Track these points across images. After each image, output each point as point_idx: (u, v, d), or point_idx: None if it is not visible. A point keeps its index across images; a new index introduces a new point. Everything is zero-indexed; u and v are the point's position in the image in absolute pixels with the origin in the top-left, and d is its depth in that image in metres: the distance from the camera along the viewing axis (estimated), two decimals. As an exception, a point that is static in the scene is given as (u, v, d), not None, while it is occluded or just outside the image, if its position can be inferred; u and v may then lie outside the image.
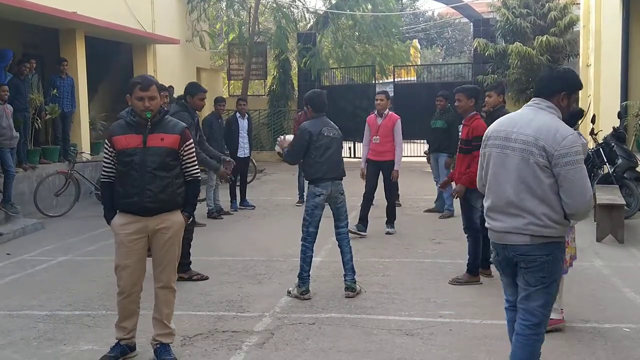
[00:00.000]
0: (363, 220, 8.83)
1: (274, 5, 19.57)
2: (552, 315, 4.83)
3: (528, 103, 3.71)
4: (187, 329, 5.23)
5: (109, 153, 4.53)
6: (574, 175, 3.39)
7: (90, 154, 12.94)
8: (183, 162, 4.59)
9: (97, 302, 6.05)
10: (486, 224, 3.75)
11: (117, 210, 4.55)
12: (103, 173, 4.59)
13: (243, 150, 11.19)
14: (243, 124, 11.17)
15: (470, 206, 6.47)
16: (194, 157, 4.65)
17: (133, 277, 4.55)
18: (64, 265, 7.59)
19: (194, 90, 7.35)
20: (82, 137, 13.00)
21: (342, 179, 6.27)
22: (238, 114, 11.17)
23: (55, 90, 11.67)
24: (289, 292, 6.12)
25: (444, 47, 41.93)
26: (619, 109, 12.08)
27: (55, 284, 6.68)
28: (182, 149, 4.54)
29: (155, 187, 4.41)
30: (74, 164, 11.45)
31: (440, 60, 37.91)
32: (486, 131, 3.79)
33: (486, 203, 3.72)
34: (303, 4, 20.59)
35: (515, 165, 3.52)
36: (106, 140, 4.55)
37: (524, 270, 3.57)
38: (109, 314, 5.64)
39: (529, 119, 3.55)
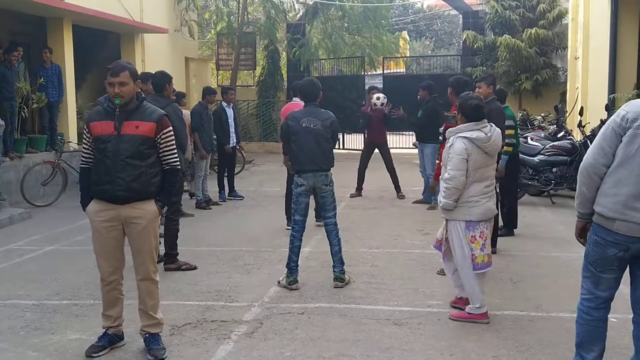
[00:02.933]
0: None
1: (263, -5, 19.49)
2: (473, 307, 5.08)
3: None
4: (175, 318, 5.22)
5: (87, 139, 4.50)
6: None
7: (78, 144, 12.82)
8: (160, 150, 4.48)
9: (85, 291, 6.03)
10: (619, 214, 3.40)
11: (92, 197, 4.52)
12: (82, 158, 4.58)
13: (231, 140, 11.17)
14: (230, 113, 11.13)
15: None
16: (172, 145, 4.54)
17: (110, 264, 4.53)
18: (51, 254, 7.54)
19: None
20: (69, 126, 12.90)
21: (326, 170, 6.16)
22: (224, 104, 11.11)
23: (42, 79, 11.56)
24: (278, 282, 6.12)
25: (433, 39, 41.98)
26: (606, 102, 12.15)
27: (43, 274, 6.64)
28: (159, 137, 4.44)
29: (127, 176, 4.35)
30: (61, 153, 11.39)
31: (429, 52, 37.93)
32: (630, 110, 3.41)
33: (625, 189, 3.37)
34: (292, -6, 20.53)
35: None
36: (84, 126, 4.54)
37: None
38: (96, 303, 5.59)
39: None
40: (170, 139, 4.52)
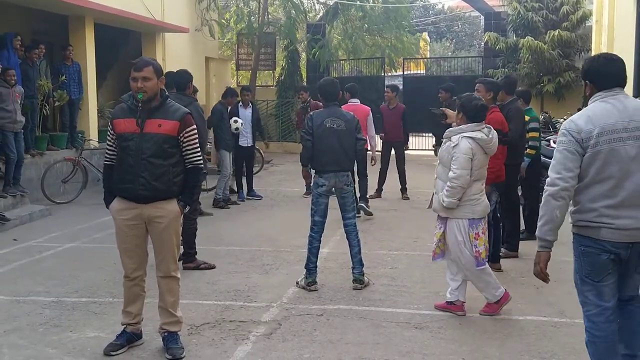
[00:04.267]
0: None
1: (284, -5, 19.46)
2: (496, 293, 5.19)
3: (606, 95, 3.51)
4: (194, 317, 5.19)
5: (111, 136, 4.49)
6: None
7: (98, 142, 12.88)
8: (184, 149, 4.44)
9: (104, 289, 6.03)
10: (603, 224, 3.42)
11: (115, 195, 4.51)
12: (106, 156, 4.58)
13: (246, 140, 11.06)
14: (245, 113, 11.06)
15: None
16: (196, 144, 4.49)
17: (134, 261, 4.53)
18: (71, 252, 7.56)
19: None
20: (90, 124, 12.95)
21: (348, 170, 6.15)
22: (241, 104, 11.05)
23: (64, 77, 11.62)
24: (297, 283, 6.08)
25: (454, 40, 41.70)
26: (631, 105, 11.98)
27: (62, 271, 6.66)
28: (182, 135, 4.39)
29: (150, 175, 4.31)
30: (82, 151, 11.43)
31: (450, 53, 37.69)
32: (582, 130, 3.44)
33: (605, 202, 3.41)
34: (313, -5, 20.49)
35: None
36: (109, 123, 4.53)
37: (636, 265, 3.48)
38: (115, 301, 5.61)
39: (635, 105, 3.49)
40: (194, 137, 4.47)
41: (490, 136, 5.19)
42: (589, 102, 3.59)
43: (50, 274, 6.56)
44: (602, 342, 3.53)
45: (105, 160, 4.60)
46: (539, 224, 3.58)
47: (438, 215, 5.35)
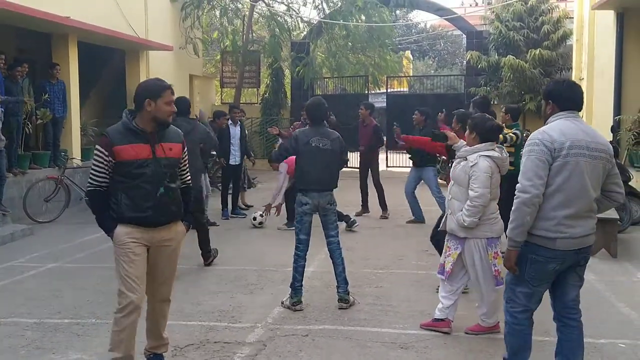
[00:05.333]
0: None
1: (268, 13, 19.56)
2: (490, 321, 5.25)
3: (569, 115, 3.84)
4: (178, 339, 5.14)
5: (106, 163, 4.11)
6: None
7: (81, 160, 12.82)
8: (181, 170, 4.43)
9: (87, 310, 5.96)
10: (560, 234, 3.74)
11: (118, 221, 4.19)
12: (94, 181, 4.15)
13: (235, 158, 11.13)
14: (235, 131, 11.10)
15: None
16: (187, 162, 4.50)
17: (142, 288, 4.22)
18: (53, 272, 7.48)
19: None
20: (72, 142, 12.88)
21: (331, 190, 6.14)
22: (230, 122, 11.11)
23: (46, 95, 11.56)
24: (282, 303, 6.05)
25: (436, 58, 42.07)
26: (611, 123, 12.12)
27: (44, 291, 6.58)
28: (183, 157, 4.39)
29: (169, 200, 4.21)
30: (64, 169, 11.35)
31: (432, 72, 38.02)
32: (555, 141, 3.71)
33: (564, 211, 3.72)
34: (297, 14, 20.60)
35: (597, 173, 3.79)
36: (100, 148, 4.12)
37: (581, 268, 3.97)
38: (98, 322, 5.55)
39: (592, 129, 3.89)
40: (187, 157, 4.48)
41: (504, 155, 5.26)
42: (550, 119, 3.89)
43: (32, 294, 6.48)
44: (521, 335, 4.01)
45: (95, 186, 4.17)
46: (510, 226, 3.82)
47: (451, 235, 5.31)
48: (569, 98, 3.88)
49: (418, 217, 10.52)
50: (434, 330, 5.31)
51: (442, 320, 5.33)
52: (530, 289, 3.89)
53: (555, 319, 4.14)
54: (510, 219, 3.79)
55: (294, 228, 8.54)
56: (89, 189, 4.21)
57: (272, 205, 9.94)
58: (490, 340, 5.14)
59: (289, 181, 9.60)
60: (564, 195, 3.71)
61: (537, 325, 5.47)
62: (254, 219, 10.23)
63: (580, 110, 3.92)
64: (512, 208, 3.76)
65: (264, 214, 10.14)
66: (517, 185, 3.78)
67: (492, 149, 5.19)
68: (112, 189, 4.17)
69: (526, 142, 3.83)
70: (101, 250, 8.55)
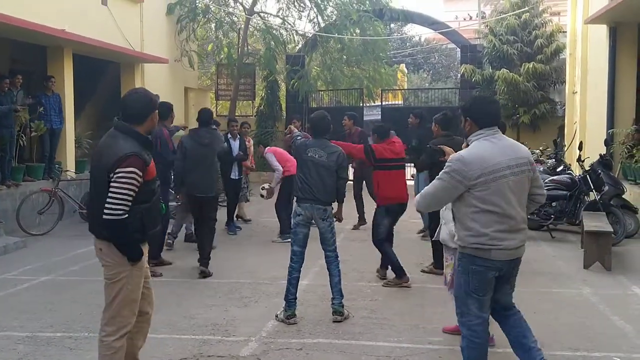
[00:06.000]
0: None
1: (264, 27, 19.63)
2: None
3: (488, 134, 4.00)
4: (171, 353, 5.11)
5: (139, 185, 3.87)
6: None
7: (75, 172, 12.79)
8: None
9: (79, 323, 5.92)
10: (494, 246, 3.91)
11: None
12: (126, 206, 3.82)
13: (234, 172, 10.87)
14: (234, 145, 10.99)
15: (378, 223, 7.37)
16: None
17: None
18: (46, 285, 7.44)
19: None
20: (67, 155, 12.85)
21: (324, 204, 6.07)
22: (229, 135, 11.03)
23: (42, 108, 11.54)
24: (276, 316, 6.03)
25: (431, 72, 42.23)
26: (605, 137, 12.18)
27: (37, 305, 6.54)
28: None
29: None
30: (59, 181, 11.32)
31: (427, 85, 38.13)
32: (472, 169, 3.87)
33: (495, 227, 3.90)
34: (292, 27, 20.68)
35: (522, 187, 4.00)
36: (137, 171, 3.84)
37: (514, 278, 4.20)
38: (91, 336, 5.51)
39: (511, 143, 4.07)
40: None
41: None
42: (470, 138, 4.05)
43: (25, 307, 6.44)
44: (479, 348, 4.07)
45: (126, 212, 3.83)
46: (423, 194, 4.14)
47: (445, 246, 5.37)
48: (486, 114, 4.03)
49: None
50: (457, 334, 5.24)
51: None
52: (477, 299, 4.03)
53: (494, 317, 4.32)
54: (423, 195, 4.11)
55: (288, 240, 8.60)
56: (123, 217, 3.82)
57: (269, 186, 10.31)
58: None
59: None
60: (491, 215, 3.90)
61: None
62: (262, 188, 10.59)
63: (497, 125, 4.04)
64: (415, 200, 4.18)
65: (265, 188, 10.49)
66: (418, 194, 4.15)
67: None
68: (133, 211, 3.89)
69: (446, 163, 4.01)
70: (94, 263, 8.42)
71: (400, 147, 7.50)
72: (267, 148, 10.66)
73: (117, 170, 3.79)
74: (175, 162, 7.97)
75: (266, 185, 10.65)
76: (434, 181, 4.02)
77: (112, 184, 3.80)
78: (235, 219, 11.32)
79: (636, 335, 5.59)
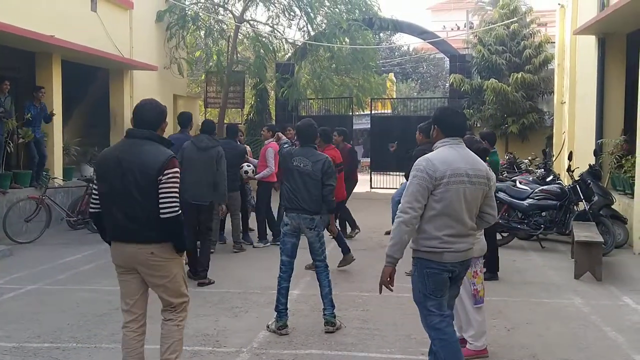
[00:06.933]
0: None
1: (253, 35, 19.60)
2: (478, 344, 5.23)
3: (452, 143, 4.19)
4: (161, 364, 5.03)
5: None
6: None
7: (63, 180, 12.67)
8: None
9: (68, 333, 5.83)
10: (445, 249, 4.06)
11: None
12: (178, 203, 4.15)
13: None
14: None
15: None
16: None
17: None
18: (33, 294, 7.33)
19: None
20: (54, 162, 12.73)
21: (311, 213, 5.98)
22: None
23: (29, 115, 11.42)
24: (267, 327, 5.96)
25: (419, 81, 42.39)
26: (593, 147, 12.23)
27: (24, 314, 6.43)
28: None
29: None
30: (46, 189, 11.20)
31: (415, 94, 38.26)
32: (437, 170, 4.03)
33: (447, 231, 4.06)
34: (282, 35, 20.67)
35: (476, 199, 4.16)
36: (178, 169, 4.16)
37: (461, 280, 4.37)
38: (79, 347, 5.44)
39: (472, 156, 4.25)
40: None
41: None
42: (436, 144, 4.26)
43: (11, 317, 6.33)
44: (450, 345, 4.14)
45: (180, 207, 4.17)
46: (389, 243, 4.14)
47: None
48: (452, 124, 4.25)
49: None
50: (476, 358, 5.24)
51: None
52: (437, 299, 4.16)
53: None
54: (390, 237, 4.13)
55: (267, 244, 9.25)
56: (179, 212, 4.12)
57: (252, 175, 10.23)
58: (478, 365, 5.10)
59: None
60: (445, 218, 4.05)
61: (523, 349, 5.49)
62: (241, 168, 10.12)
63: (462, 136, 4.28)
64: (393, 227, 4.09)
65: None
66: (399, 205, 4.12)
67: None
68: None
69: (412, 167, 4.13)
70: (82, 271, 8.41)
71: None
72: (268, 142, 10.51)
73: (165, 172, 4.04)
74: None
75: (249, 171, 10.21)
76: (407, 185, 4.15)
77: (163, 185, 4.03)
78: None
79: (630, 347, 5.57)
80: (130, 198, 4.04)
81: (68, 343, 5.57)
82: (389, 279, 4.15)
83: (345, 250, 8.70)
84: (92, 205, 4.31)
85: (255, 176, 10.29)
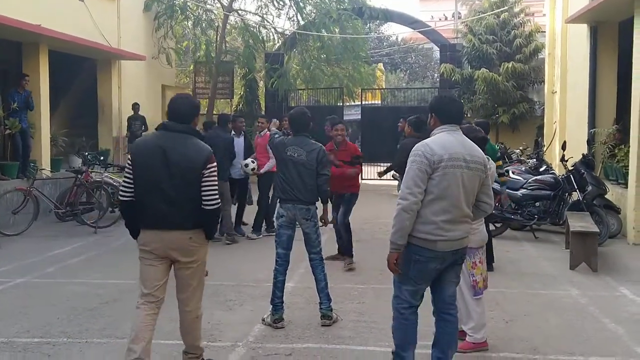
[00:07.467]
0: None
1: (242, 24, 19.41)
2: (477, 336, 5.17)
3: (450, 129, 4.22)
4: (155, 359, 4.92)
5: None
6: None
7: (51, 171, 12.48)
8: None
9: (57, 328, 5.70)
10: (439, 236, 4.06)
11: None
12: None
13: (239, 171, 10.22)
14: (239, 142, 10.46)
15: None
16: None
17: None
18: (21, 287, 7.18)
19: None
20: (42, 153, 12.54)
21: (307, 203, 5.89)
22: (233, 132, 10.52)
23: (15, 104, 11.23)
24: (263, 320, 5.86)
25: (408, 72, 42.31)
26: (585, 136, 12.20)
27: (12, 308, 6.29)
28: None
29: None
30: (34, 180, 11.02)
31: (404, 84, 38.19)
32: (435, 153, 4.05)
33: (443, 216, 4.06)
34: (271, 25, 20.48)
35: (473, 185, 4.17)
36: (216, 164, 4.45)
37: (458, 267, 4.34)
38: (70, 341, 5.32)
39: (470, 142, 4.27)
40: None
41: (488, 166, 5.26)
42: (434, 131, 4.28)
43: None
44: (407, 328, 4.26)
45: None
46: (392, 231, 4.11)
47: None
48: (449, 112, 4.29)
49: None
50: (477, 351, 5.19)
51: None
52: (414, 286, 4.20)
53: (434, 313, 4.41)
54: (393, 224, 4.10)
55: (260, 235, 9.26)
56: (220, 204, 4.44)
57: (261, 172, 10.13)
58: (478, 359, 5.02)
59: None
60: (443, 202, 4.06)
61: (522, 342, 5.42)
62: (246, 165, 9.91)
63: (459, 124, 4.32)
64: (394, 214, 4.07)
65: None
66: (399, 192, 4.15)
67: None
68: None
69: (410, 153, 4.15)
70: (72, 264, 8.28)
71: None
72: (264, 132, 10.32)
73: (208, 166, 4.30)
74: None
75: (251, 165, 9.91)
76: (407, 171, 4.15)
77: (207, 179, 4.30)
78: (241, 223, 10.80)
79: (630, 339, 5.52)
80: (177, 188, 4.24)
81: (58, 338, 5.45)
82: (395, 263, 4.14)
83: (349, 253, 8.38)
84: (123, 193, 4.39)
85: (261, 170, 10.06)
